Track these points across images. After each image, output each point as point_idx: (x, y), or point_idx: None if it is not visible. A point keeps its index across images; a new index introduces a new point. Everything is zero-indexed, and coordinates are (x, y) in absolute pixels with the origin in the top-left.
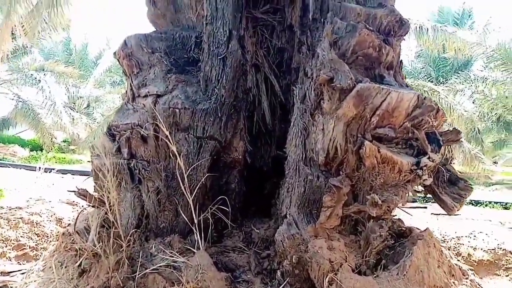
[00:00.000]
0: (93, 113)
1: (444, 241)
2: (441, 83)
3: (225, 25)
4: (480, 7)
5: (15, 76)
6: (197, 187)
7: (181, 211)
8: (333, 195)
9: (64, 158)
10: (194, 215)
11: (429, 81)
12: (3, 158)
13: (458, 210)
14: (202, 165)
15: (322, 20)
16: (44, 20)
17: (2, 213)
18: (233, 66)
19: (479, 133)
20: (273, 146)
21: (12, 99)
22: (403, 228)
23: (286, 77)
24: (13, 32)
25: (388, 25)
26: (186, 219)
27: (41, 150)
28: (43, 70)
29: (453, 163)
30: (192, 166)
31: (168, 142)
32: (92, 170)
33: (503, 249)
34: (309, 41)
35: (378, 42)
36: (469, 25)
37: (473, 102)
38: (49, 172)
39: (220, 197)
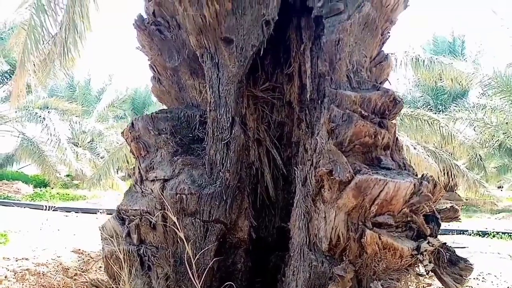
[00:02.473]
0: (96, 147)
1: None
2: (440, 111)
3: (228, 112)
4: (472, 34)
5: (20, 114)
6: (205, 271)
7: None
8: (337, 283)
9: (68, 194)
10: None
11: (428, 109)
12: (7, 196)
13: None
14: (209, 249)
15: (319, 101)
16: (55, 65)
17: (8, 265)
18: (236, 150)
19: (481, 160)
20: (277, 217)
21: (17, 137)
22: None
23: (287, 150)
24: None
25: (382, 106)
26: None
27: (45, 186)
28: (47, 107)
29: (458, 189)
30: (200, 252)
31: (176, 230)
32: (103, 257)
33: None
34: (307, 119)
35: (373, 130)
36: (461, 52)
37: (474, 130)
38: (54, 210)
39: (227, 283)
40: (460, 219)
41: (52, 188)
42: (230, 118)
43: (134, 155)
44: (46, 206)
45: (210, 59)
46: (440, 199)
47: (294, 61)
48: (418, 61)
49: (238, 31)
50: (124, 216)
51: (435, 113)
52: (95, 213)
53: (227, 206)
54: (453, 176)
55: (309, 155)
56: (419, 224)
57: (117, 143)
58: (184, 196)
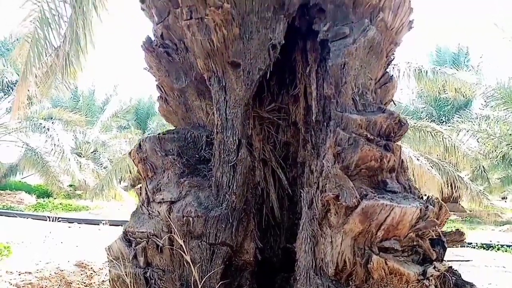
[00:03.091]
0: (99, 157)
1: None
2: (443, 122)
3: (234, 134)
4: (476, 45)
5: (25, 124)
6: None
7: None
8: None
9: (71, 204)
10: None
11: (431, 120)
12: (10, 206)
13: None
14: (215, 272)
15: (325, 123)
16: (57, 78)
17: (11, 279)
18: (242, 172)
19: (484, 172)
20: (282, 237)
21: (22, 147)
22: None
23: (292, 170)
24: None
25: (388, 128)
26: None
27: (48, 196)
28: (52, 118)
29: (461, 200)
30: (207, 275)
31: (183, 253)
32: (109, 280)
33: None
34: (313, 140)
35: (379, 154)
36: (465, 63)
37: (477, 141)
38: (57, 221)
39: None
40: (465, 242)
41: (55, 199)
42: (237, 141)
43: (141, 176)
44: (49, 217)
45: (217, 82)
46: (445, 222)
47: (299, 83)
48: (421, 72)
49: (245, 55)
50: (130, 238)
51: (438, 124)
52: (98, 224)
53: (233, 228)
54: (456, 188)
55: (315, 177)
56: (425, 248)
57: (120, 153)
58: (190, 219)
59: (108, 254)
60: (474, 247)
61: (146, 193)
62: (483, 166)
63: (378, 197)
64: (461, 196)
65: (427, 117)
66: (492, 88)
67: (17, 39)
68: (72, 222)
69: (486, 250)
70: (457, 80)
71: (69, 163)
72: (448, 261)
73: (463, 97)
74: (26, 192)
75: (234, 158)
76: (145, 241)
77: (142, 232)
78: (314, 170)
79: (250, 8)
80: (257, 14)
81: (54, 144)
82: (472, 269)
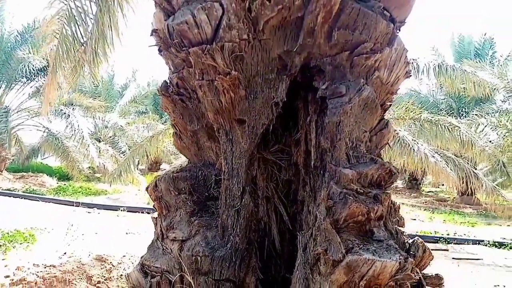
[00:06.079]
0: (118, 142)
1: None
2: (462, 114)
3: (239, 182)
4: (503, 37)
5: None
6: None
7: None
8: None
9: (90, 188)
10: None
11: (450, 113)
12: (33, 190)
13: None
14: None
15: (321, 171)
16: (84, 71)
17: (38, 271)
18: (246, 217)
19: (504, 166)
20: (282, 266)
21: (43, 132)
22: None
23: (293, 206)
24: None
25: (379, 177)
26: None
27: (68, 179)
28: (72, 104)
29: (478, 192)
30: None
31: None
32: None
33: None
34: (311, 183)
35: (366, 209)
36: (491, 55)
37: (497, 134)
38: (76, 206)
39: None
40: (443, 286)
41: (75, 182)
42: (241, 188)
43: (157, 211)
44: (69, 201)
45: (225, 134)
46: (429, 264)
47: (301, 128)
48: (440, 68)
49: (250, 112)
50: (147, 271)
51: (457, 117)
52: (116, 210)
53: (236, 266)
54: (472, 183)
55: (310, 222)
56: None
57: (138, 138)
58: (199, 258)
59: (127, 280)
60: (486, 245)
61: (161, 229)
62: (502, 161)
63: (363, 250)
64: (477, 190)
65: (446, 109)
66: None
67: (40, 25)
68: (92, 208)
69: (498, 248)
70: (476, 78)
71: (88, 149)
72: (457, 259)
73: (483, 94)
74: (47, 175)
75: (239, 204)
76: (159, 276)
77: (157, 267)
78: (311, 212)
79: (255, 72)
80: (262, 76)
81: (74, 130)
82: (481, 268)
